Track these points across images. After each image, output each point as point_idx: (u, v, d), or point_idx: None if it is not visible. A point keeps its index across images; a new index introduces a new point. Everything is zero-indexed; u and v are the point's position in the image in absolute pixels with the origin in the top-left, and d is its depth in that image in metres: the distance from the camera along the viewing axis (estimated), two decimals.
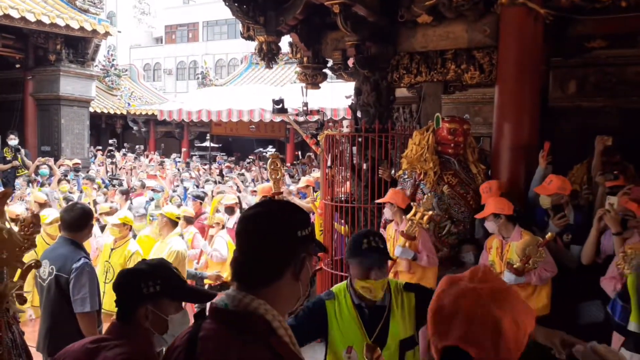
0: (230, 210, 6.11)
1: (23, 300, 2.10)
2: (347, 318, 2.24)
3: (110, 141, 14.46)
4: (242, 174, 11.34)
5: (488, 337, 1.02)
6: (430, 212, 3.92)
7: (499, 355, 1.02)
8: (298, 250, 1.27)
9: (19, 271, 2.10)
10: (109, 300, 4.96)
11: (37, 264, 2.24)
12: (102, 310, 3.54)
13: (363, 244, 2.20)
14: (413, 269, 3.96)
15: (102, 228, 5.94)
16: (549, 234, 3.33)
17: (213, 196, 7.07)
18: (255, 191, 7.82)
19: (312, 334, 2.28)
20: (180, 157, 14.98)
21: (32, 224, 2.15)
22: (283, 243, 1.25)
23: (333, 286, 2.46)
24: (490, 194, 3.75)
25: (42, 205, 6.07)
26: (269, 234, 1.25)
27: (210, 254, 5.26)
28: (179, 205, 6.48)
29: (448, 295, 1.08)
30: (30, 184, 8.22)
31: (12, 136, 10.03)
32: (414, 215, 3.86)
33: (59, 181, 7.99)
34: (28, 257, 4.58)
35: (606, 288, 3.20)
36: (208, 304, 1.34)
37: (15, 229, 2.06)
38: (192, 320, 1.39)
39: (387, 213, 4.19)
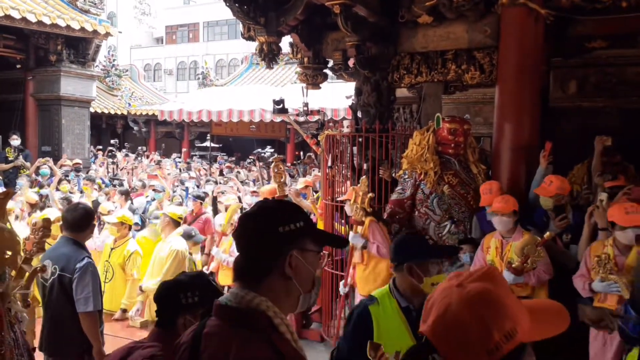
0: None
1: (27, 305, 2.11)
2: (393, 322, 2.19)
3: (112, 141, 14.46)
4: (239, 172, 11.37)
5: (452, 335, 1.02)
6: (370, 195, 4.10)
7: (464, 356, 1.02)
8: (281, 247, 1.27)
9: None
10: (108, 300, 4.98)
11: (43, 268, 2.25)
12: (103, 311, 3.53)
13: (428, 242, 2.26)
14: (366, 260, 4.11)
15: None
16: (548, 233, 3.34)
17: (214, 196, 7.07)
18: (255, 192, 7.82)
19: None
20: (180, 158, 14.99)
21: (43, 228, 2.17)
22: (263, 240, 1.27)
23: (374, 291, 2.39)
24: (491, 195, 3.75)
25: (33, 206, 6.08)
26: (251, 232, 1.29)
27: (226, 260, 5.22)
28: (179, 205, 6.48)
29: (439, 288, 1.11)
30: (31, 184, 8.22)
31: (14, 136, 10.04)
32: (355, 200, 4.06)
33: (60, 181, 8.01)
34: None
35: (577, 286, 3.26)
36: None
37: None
38: None
39: (347, 210, 4.33)
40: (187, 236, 4.71)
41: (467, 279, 1.08)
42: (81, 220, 3.18)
